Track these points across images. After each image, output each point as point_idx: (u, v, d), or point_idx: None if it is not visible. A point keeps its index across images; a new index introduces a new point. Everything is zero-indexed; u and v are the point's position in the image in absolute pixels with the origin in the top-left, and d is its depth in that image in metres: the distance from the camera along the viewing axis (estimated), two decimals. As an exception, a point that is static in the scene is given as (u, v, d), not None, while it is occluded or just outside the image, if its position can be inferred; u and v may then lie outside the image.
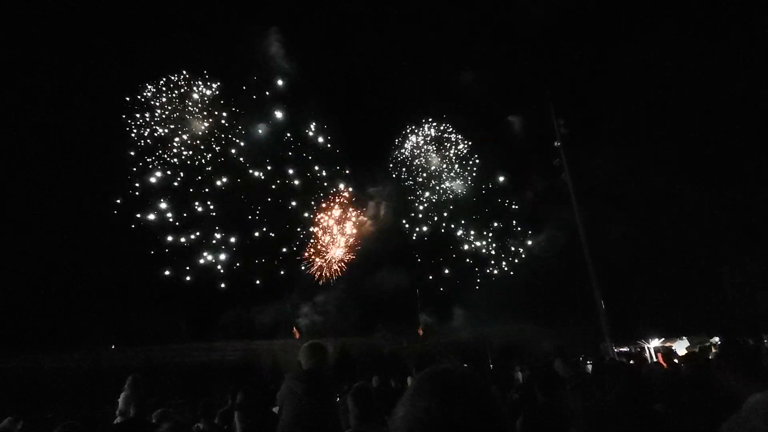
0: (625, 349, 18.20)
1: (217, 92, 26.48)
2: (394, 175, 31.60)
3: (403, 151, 31.83)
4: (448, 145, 32.35)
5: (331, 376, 3.49)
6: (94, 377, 15.82)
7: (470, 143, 32.25)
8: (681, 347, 15.72)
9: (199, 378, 18.35)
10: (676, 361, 7.43)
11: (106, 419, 5.27)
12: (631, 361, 8.27)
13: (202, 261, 25.53)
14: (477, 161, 32.26)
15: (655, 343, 18.75)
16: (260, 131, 27.32)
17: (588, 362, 12.34)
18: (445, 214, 31.82)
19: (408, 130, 31.60)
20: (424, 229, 31.80)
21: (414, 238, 31.40)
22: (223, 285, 25.64)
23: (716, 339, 15.94)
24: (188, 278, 24.50)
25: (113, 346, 21.17)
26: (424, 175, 32.11)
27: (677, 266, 24.16)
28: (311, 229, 28.86)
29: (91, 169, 23.38)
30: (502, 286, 30.16)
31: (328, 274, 28.86)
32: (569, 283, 23.29)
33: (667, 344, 17.53)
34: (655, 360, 12.76)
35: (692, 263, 24.17)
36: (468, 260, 31.54)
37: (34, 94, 22.74)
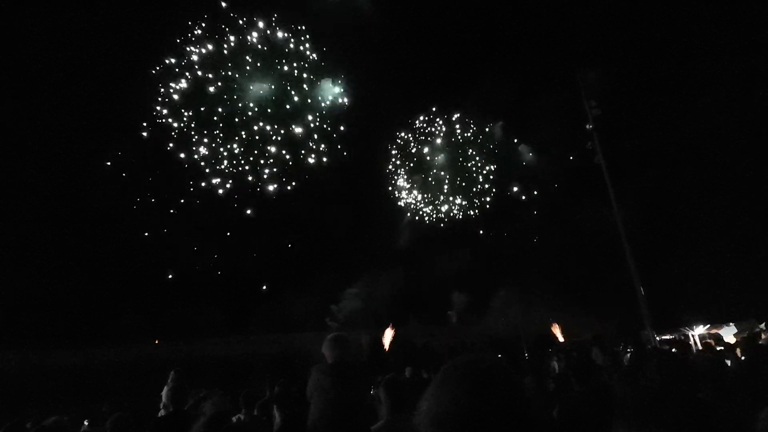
0: (668, 336, 17.53)
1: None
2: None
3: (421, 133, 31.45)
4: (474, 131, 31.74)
5: (358, 368, 3.48)
6: (141, 371, 16.58)
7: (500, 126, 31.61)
8: (728, 334, 15.00)
9: (238, 370, 18.94)
10: (719, 349, 7.12)
11: (151, 412, 5.53)
12: (674, 349, 7.97)
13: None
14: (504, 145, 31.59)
15: (700, 330, 17.95)
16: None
17: (628, 350, 11.97)
18: (476, 202, 31.34)
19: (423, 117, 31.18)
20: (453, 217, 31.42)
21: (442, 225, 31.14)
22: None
23: (764, 325, 15.14)
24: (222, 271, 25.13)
25: (156, 341, 22.12)
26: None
27: (722, 248, 23.00)
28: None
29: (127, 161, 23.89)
30: (536, 272, 29.60)
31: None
32: (606, 268, 22.61)
33: (713, 331, 16.76)
34: (700, 348, 12.25)
35: (736, 244, 22.96)
36: (499, 247, 31.05)
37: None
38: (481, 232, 30.94)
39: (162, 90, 23.58)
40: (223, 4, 24.16)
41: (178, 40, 23.50)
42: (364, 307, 27.93)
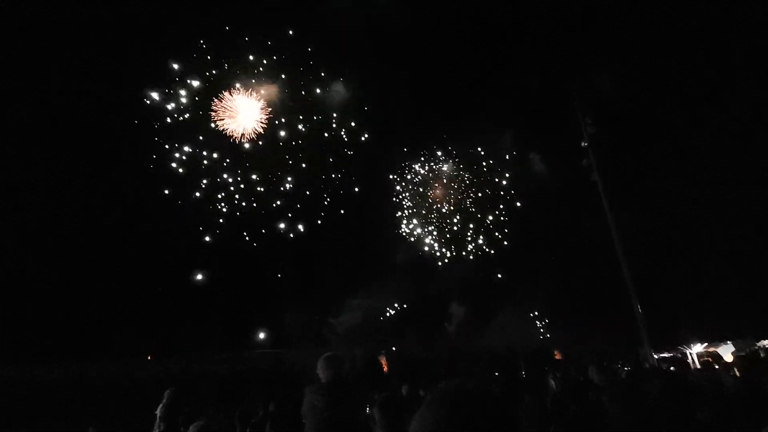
0: (667, 354, 17.46)
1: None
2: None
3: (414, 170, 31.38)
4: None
5: (352, 387, 3.44)
6: (132, 388, 16.26)
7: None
8: (726, 352, 14.96)
9: (233, 387, 18.64)
10: (716, 366, 7.10)
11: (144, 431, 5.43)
12: (672, 368, 7.93)
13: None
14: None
15: (698, 348, 17.89)
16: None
17: (625, 368, 11.90)
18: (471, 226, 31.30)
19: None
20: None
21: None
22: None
23: (765, 342, 15.12)
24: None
25: (149, 357, 21.73)
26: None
27: (719, 265, 23.05)
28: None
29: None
30: (534, 290, 29.50)
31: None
32: (604, 286, 22.58)
33: (711, 349, 16.72)
34: (698, 366, 12.19)
35: (736, 262, 23.02)
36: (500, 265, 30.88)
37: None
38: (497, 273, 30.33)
39: (164, 112, 23.87)
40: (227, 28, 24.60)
41: (176, 66, 23.92)
42: (363, 320, 27.76)
